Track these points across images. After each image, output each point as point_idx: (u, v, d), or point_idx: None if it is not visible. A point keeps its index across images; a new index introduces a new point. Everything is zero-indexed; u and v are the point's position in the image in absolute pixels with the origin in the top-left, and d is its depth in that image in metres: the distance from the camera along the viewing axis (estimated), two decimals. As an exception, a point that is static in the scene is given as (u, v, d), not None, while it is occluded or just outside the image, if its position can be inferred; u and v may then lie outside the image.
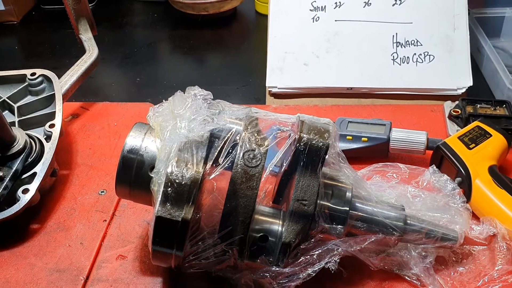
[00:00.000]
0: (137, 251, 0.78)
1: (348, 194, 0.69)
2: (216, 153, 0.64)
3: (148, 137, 0.68)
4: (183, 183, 0.60)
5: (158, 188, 0.62)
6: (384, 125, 0.93)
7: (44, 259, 0.77)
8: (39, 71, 0.98)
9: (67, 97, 1.00)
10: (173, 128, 0.64)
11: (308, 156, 0.65)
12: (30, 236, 0.81)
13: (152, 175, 0.63)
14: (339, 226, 0.67)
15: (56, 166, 0.88)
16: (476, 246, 0.74)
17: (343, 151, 0.72)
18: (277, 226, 0.67)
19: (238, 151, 0.64)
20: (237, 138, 0.65)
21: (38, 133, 0.88)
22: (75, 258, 0.77)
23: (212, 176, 0.63)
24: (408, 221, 0.71)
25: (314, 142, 0.65)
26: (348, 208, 0.68)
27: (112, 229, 0.82)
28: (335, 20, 1.13)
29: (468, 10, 1.13)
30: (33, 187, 0.80)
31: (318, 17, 1.13)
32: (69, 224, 0.83)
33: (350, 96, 1.12)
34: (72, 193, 0.89)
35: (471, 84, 1.08)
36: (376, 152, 0.91)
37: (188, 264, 0.65)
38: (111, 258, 0.77)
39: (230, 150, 0.64)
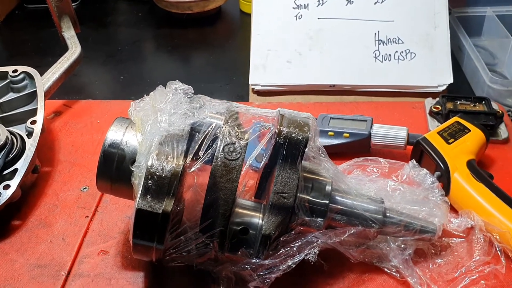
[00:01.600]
0: (119, 246, 0.78)
1: (328, 188, 0.69)
2: (196, 147, 0.65)
3: (129, 131, 0.68)
4: (163, 175, 0.61)
5: (139, 181, 0.62)
6: (366, 121, 0.93)
7: (25, 255, 0.77)
8: (21, 68, 0.97)
9: (49, 94, 1.00)
10: (154, 122, 0.64)
11: (287, 149, 0.66)
12: (12, 232, 0.80)
13: (133, 169, 0.63)
14: (319, 219, 0.68)
15: (38, 162, 0.88)
16: (454, 239, 0.75)
17: (325, 147, 0.72)
18: (257, 219, 0.67)
19: (218, 144, 0.64)
20: (218, 132, 0.65)
21: (19, 129, 0.88)
22: (56, 254, 0.77)
23: (193, 169, 0.64)
24: (387, 214, 0.71)
25: (293, 135, 0.66)
26: (328, 201, 0.68)
27: (94, 225, 0.82)
28: (318, 18, 1.14)
29: (450, 9, 1.15)
30: (14, 183, 0.80)
31: (301, 15, 1.14)
32: (50, 220, 0.82)
33: (333, 93, 1.13)
34: (54, 189, 0.88)
35: (452, 81, 1.10)
36: (357, 148, 0.92)
37: (169, 257, 0.65)
38: (93, 254, 0.77)
39: (211, 144, 0.65)
